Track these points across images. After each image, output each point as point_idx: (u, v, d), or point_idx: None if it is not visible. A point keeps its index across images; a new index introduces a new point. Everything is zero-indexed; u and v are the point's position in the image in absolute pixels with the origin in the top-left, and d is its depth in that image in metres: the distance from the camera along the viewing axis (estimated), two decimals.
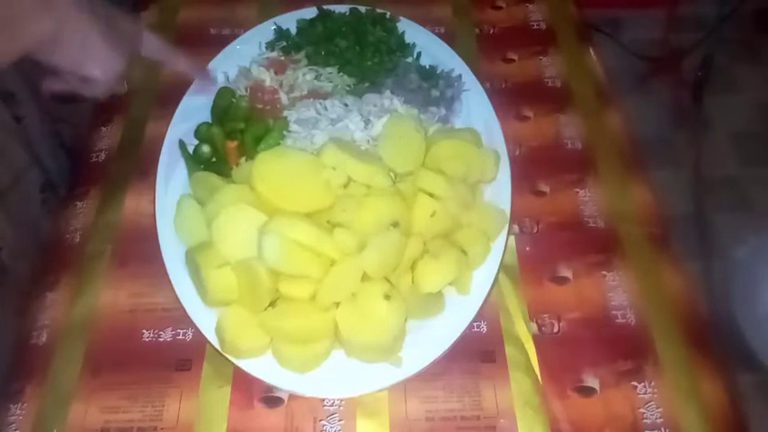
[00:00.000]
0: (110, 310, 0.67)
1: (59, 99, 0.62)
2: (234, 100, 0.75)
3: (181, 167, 0.72)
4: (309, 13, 0.85)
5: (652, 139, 1.75)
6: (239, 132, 0.72)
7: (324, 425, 0.60)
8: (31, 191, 0.81)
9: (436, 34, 0.85)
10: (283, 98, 0.75)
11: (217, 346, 0.60)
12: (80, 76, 0.57)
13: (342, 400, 0.62)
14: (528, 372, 0.63)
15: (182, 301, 0.62)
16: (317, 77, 0.77)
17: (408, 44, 0.83)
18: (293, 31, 0.83)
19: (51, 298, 0.69)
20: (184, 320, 0.63)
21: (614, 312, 0.67)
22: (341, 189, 0.63)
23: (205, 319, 0.61)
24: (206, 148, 0.72)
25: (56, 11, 0.51)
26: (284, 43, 0.82)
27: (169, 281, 0.64)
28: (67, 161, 0.88)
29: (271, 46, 0.82)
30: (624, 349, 0.65)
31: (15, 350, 0.66)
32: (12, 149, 0.78)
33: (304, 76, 0.77)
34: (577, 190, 0.77)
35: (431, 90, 0.76)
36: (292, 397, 0.62)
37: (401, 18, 0.84)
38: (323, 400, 0.62)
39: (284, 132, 0.71)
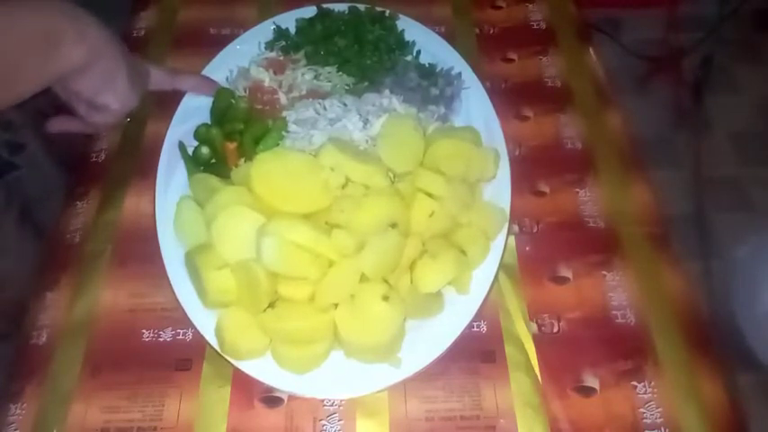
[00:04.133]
0: (110, 310, 0.67)
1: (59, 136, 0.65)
2: (233, 101, 0.75)
3: (181, 169, 0.72)
4: (309, 12, 0.85)
5: (652, 139, 1.75)
6: (238, 133, 0.72)
7: (324, 425, 0.60)
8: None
9: (436, 34, 0.84)
10: (282, 98, 0.75)
11: (216, 347, 0.60)
12: (95, 104, 0.60)
13: (342, 401, 0.62)
14: (528, 372, 0.63)
15: (181, 302, 0.62)
16: (316, 77, 0.77)
17: (408, 42, 0.83)
18: (293, 30, 0.83)
19: (51, 298, 0.69)
20: (184, 320, 0.62)
21: (614, 312, 0.67)
22: (339, 190, 0.63)
23: (205, 321, 0.61)
24: (205, 150, 0.71)
25: (89, 42, 0.55)
26: (283, 43, 0.82)
27: (169, 281, 0.64)
28: (64, 172, 0.89)
29: (270, 46, 0.82)
30: (624, 349, 0.65)
31: (15, 350, 0.66)
32: None
33: (303, 76, 0.77)
34: (577, 190, 0.77)
35: (430, 88, 0.76)
36: (292, 397, 0.62)
37: (400, 16, 0.84)
38: (323, 400, 0.62)
39: (283, 133, 0.71)
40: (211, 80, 0.76)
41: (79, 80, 0.57)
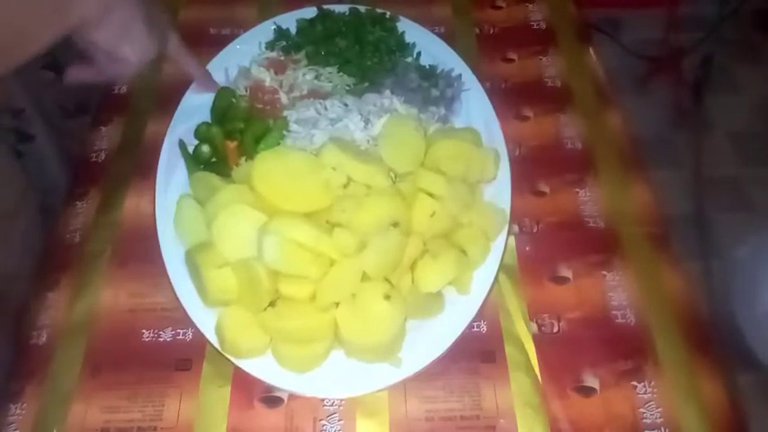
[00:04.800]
0: (110, 310, 0.67)
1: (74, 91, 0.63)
2: (234, 100, 0.75)
3: (181, 167, 0.72)
4: (309, 12, 0.85)
5: (652, 139, 1.75)
6: (239, 132, 0.72)
7: (324, 425, 0.60)
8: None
9: (436, 34, 0.85)
10: (283, 98, 0.75)
11: (217, 346, 0.60)
12: (113, 56, 0.58)
13: (342, 400, 0.62)
14: (528, 372, 0.63)
15: (182, 301, 0.62)
16: (316, 77, 0.77)
17: (408, 44, 0.83)
18: (293, 30, 0.83)
19: (51, 298, 0.69)
20: (184, 320, 0.63)
21: (614, 312, 0.67)
22: (340, 189, 0.63)
23: (205, 320, 0.61)
24: (206, 149, 0.72)
25: None
26: (284, 43, 0.82)
27: (169, 281, 0.64)
28: (68, 173, 0.89)
29: (271, 46, 0.82)
30: (624, 349, 0.65)
31: (15, 350, 0.66)
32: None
33: (304, 76, 0.77)
34: (577, 190, 0.77)
35: (431, 89, 0.76)
36: (292, 397, 0.62)
37: (401, 18, 0.84)
38: (323, 399, 0.62)
39: (284, 132, 0.71)
40: (210, 78, 0.76)
41: (94, 33, 0.55)
